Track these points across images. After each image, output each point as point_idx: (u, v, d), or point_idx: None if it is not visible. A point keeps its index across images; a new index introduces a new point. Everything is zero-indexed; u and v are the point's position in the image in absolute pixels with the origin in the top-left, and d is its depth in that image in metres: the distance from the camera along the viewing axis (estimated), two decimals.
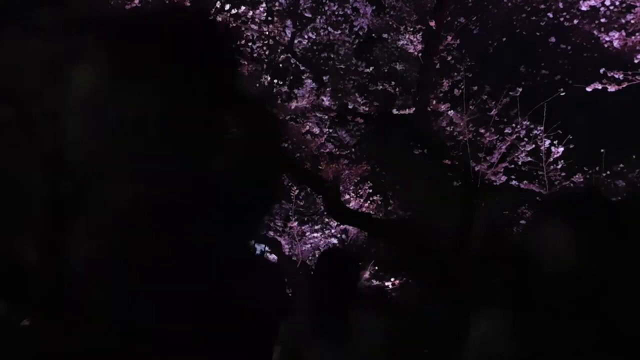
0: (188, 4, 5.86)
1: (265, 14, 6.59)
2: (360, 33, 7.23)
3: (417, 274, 6.12)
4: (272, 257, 7.94)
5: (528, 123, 5.88)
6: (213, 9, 6.09)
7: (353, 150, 7.09)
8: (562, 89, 5.67)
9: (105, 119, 0.40)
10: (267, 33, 6.64)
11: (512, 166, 5.92)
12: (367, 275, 7.29)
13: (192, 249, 0.42)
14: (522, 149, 5.87)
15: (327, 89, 6.64)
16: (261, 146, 0.46)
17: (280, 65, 6.82)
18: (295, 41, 7.09)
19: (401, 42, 6.85)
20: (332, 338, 2.09)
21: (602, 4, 5.59)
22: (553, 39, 6.59)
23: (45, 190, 0.39)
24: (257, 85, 6.31)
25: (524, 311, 1.18)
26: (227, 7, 6.18)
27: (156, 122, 0.40)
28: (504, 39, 7.03)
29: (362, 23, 7.13)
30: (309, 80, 6.81)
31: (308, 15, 6.98)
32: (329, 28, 7.08)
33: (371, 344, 2.07)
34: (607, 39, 5.56)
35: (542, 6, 6.54)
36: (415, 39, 6.53)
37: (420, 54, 6.37)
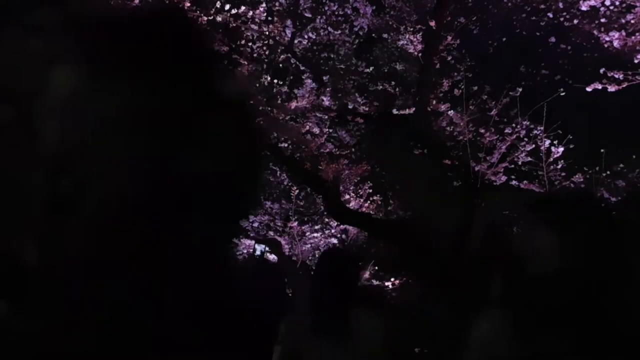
0: (188, 4, 5.86)
1: (265, 14, 6.58)
2: (360, 33, 7.23)
3: (417, 274, 6.13)
4: (272, 257, 7.95)
5: (528, 123, 5.88)
6: (213, 9, 6.09)
7: (353, 150, 7.09)
8: (562, 89, 5.67)
9: (82, 120, 0.40)
10: (267, 33, 6.64)
11: (512, 166, 5.92)
12: (367, 275, 7.29)
13: (177, 248, 0.42)
14: (522, 149, 5.87)
15: (327, 89, 6.64)
16: (241, 146, 0.46)
17: (280, 65, 6.82)
18: (295, 41, 7.09)
19: (401, 42, 6.85)
20: (332, 338, 2.09)
21: (602, 4, 5.59)
22: (553, 39, 6.59)
23: (37, 190, 0.39)
24: (257, 85, 6.31)
25: (524, 311, 1.18)
26: (227, 7, 6.19)
27: (133, 123, 0.41)
28: (504, 39, 7.03)
29: (362, 23, 7.13)
30: (309, 80, 6.81)
31: (308, 15, 6.98)
32: (329, 28, 7.08)
33: (371, 344, 2.07)
34: (607, 39, 5.56)
35: (542, 6, 6.54)
36: (415, 39, 6.54)
37: (420, 54, 6.37)
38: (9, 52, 0.41)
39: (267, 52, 6.72)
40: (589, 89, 5.33)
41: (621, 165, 5.99)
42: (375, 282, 7.41)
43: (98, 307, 0.38)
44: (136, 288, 0.39)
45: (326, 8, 7.01)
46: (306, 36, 7.12)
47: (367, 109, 6.55)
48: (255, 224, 8.23)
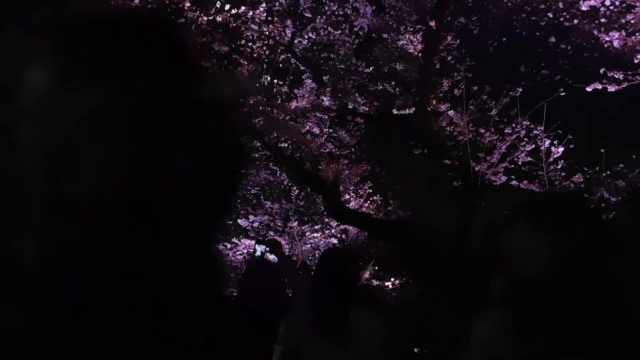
0: (188, 4, 5.87)
1: (265, 14, 6.59)
2: (360, 33, 7.23)
3: (417, 274, 6.13)
4: (272, 257, 7.94)
5: (528, 123, 5.88)
6: (213, 9, 6.09)
7: (353, 150, 7.09)
8: (562, 89, 5.67)
9: (59, 121, 0.40)
10: (267, 33, 6.64)
11: (512, 166, 5.92)
12: (367, 275, 7.29)
13: (160, 247, 0.42)
14: (522, 149, 5.87)
15: (327, 89, 6.65)
16: (221, 145, 0.47)
17: (280, 65, 6.82)
18: (295, 41, 7.09)
19: (401, 42, 6.85)
20: (332, 338, 2.09)
21: (602, 4, 5.59)
22: (553, 39, 6.59)
23: (18, 189, 0.39)
24: (257, 85, 6.31)
25: (524, 311, 1.18)
26: (227, 7, 6.19)
27: (111, 124, 0.41)
28: (504, 39, 7.03)
29: (362, 23, 7.13)
30: (309, 80, 6.82)
31: (308, 15, 6.98)
32: (329, 28, 7.08)
33: (371, 344, 2.07)
34: (607, 39, 5.56)
35: (542, 6, 6.54)
36: (415, 39, 6.54)
37: (420, 54, 6.37)
38: None
39: (267, 52, 6.72)
40: (589, 89, 5.33)
41: (621, 165, 5.99)
42: (375, 282, 7.41)
43: (67, 305, 0.38)
44: (114, 288, 0.39)
45: (326, 8, 7.01)
46: (306, 36, 7.13)
47: (367, 109, 6.55)
48: (255, 224, 8.23)
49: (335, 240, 8.11)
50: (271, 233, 8.00)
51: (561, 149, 5.75)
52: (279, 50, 6.81)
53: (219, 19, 6.15)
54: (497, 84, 6.10)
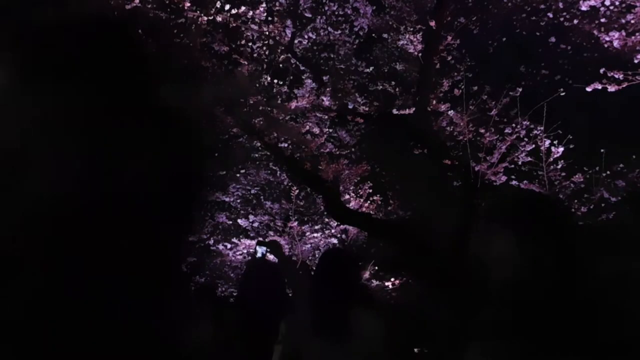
0: (188, 4, 5.87)
1: (265, 14, 6.58)
2: (360, 33, 7.23)
3: (417, 274, 6.12)
4: (272, 257, 7.93)
5: (528, 123, 5.87)
6: (213, 9, 6.09)
7: (353, 150, 7.09)
8: (562, 89, 5.67)
9: (11, 121, 0.40)
10: (267, 33, 6.64)
11: (512, 166, 5.92)
12: (367, 275, 7.29)
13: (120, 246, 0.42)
14: (522, 149, 5.87)
15: (327, 89, 6.64)
16: (178, 144, 0.47)
17: (280, 65, 6.82)
18: (295, 41, 7.09)
19: (401, 42, 6.84)
20: (332, 338, 2.09)
21: (602, 4, 5.59)
22: (553, 39, 6.59)
23: None
24: (257, 85, 6.31)
25: (523, 312, 1.18)
26: (227, 7, 6.19)
27: (64, 125, 0.41)
28: (504, 39, 7.03)
29: (362, 23, 7.13)
30: (309, 80, 6.81)
31: (308, 15, 6.98)
32: (329, 28, 7.08)
33: (371, 344, 2.07)
34: (607, 39, 5.56)
35: (542, 6, 6.54)
36: (415, 39, 6.53)
37: (420, 54, 6.37)
38: None
39: (267, 52, 6.72)
40: (589, 89, 5.33)
41: (621, 165, 5.99)
42: (375, 282, 7.40)
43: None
44: (72, 285, 0.39)
45: (326, 8, 7.01)
46: (306, 36, 7.13)
47: (367, 109, 6.55)
48: (255, 224, 8.23)
49: (335, 240, 8.11)
50: (271, 233, 8.00)
51: (561, 149, 5.75)
52: (279, 50, 6.81)
53: (219, 19, 6.15)
54: (497, 84, 6.09)
